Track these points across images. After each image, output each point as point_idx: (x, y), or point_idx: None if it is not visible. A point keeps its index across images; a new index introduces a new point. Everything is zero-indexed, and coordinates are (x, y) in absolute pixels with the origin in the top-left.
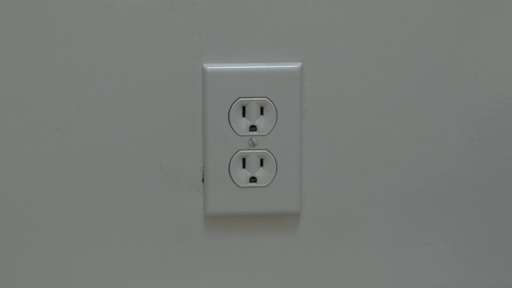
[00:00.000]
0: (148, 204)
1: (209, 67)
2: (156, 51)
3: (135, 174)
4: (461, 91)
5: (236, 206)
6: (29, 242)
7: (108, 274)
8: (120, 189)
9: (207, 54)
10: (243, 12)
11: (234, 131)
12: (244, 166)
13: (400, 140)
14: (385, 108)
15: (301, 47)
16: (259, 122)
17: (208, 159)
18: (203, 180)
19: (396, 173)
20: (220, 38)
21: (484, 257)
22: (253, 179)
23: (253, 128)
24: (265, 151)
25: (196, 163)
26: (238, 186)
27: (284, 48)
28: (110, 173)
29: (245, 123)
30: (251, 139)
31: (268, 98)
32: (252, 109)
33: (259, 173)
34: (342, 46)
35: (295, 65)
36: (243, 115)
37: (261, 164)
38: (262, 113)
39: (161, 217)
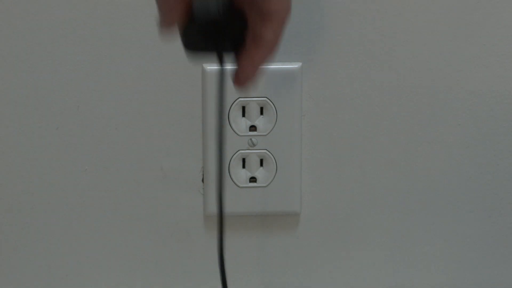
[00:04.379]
0: (148, 204)
1: (209, 67)
2: (156, 51)
3: (135, 174)
4: (461, 91)
5: (236, 206)
6: (29, 242)
7: (108, 274)
8: (120, 189)
9: None
10: None
11: (234, 131)
12: (244, 166)
13: (400, 140)
14: (385, 108)
15: (301, 47)
16: (259, 122)
17: (208, 159)
18: (203, 180)
19: (396, 173)
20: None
21: (484, 257)
22: (253, 179)
23: (253, 128)
24: (265, 151)
25: (196, 163)
26: (238, 186)
27: (284, 48)
28: (110, 173)
29: (245, 123)
30: (251, 139)
31: (268, 98)
32: (252, 109)
33: (259, 173)
34: (342, 46)
35: (295, 65)
36: (243, 115)
37: (261, 164)
38: (262, 113)
39: (161, 217)
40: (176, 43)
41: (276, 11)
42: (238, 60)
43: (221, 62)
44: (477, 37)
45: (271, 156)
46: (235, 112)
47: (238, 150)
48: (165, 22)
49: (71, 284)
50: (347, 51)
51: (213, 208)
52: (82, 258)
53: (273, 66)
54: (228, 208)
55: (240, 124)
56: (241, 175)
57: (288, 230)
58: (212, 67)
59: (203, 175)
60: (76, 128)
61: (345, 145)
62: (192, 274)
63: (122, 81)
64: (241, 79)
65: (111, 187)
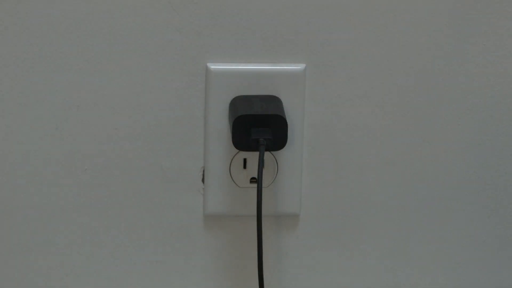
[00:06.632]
0: (148, 204)
1: (213, 66)
2: (159, 51)
3: (135, 174)
4: (461, 91)
5: (236, 206)
6: (29, 241)
7: (108, 274)
8: (120, 189)
9: (211, 53)
10: (248, 11)
11: None
12: (245, 167)
13: (400, 140)
14: (385, 108)
15: (304, 49)
16: None
17: (208, 159)
18: (203, 180)
19: (396, 173)
20: (224, 39)
21: (484, 257)
22: (253, 180)
23: None
24: (266, 152)
25: (196, 163)
26: (238, 187)
27: (287, 49)
28: (110, 173)
29: None
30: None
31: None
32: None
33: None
34: (343, 47)
35: (299, 67)
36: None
37: None
38: None
39: (161, 217)
40: (175, 42)
41: None
42: None
43: (261, 160)
44: (477, 37)
45: (273, 157)
46: None
47: (239, 151)
48: None
49: (71, 284)
50: (348, 51)
51: (213, 208)
52: (82, 258)
53: (277, 67)
54: (228, 209)
55: None
56: (241, 175)
57: (287, 231)
58: (216, 66)
59: (203, 175)
60: (76, 128)
61: (345, 145)
62: (192, 274)
63: (122, 80)
64: None
65: (111, 187)
